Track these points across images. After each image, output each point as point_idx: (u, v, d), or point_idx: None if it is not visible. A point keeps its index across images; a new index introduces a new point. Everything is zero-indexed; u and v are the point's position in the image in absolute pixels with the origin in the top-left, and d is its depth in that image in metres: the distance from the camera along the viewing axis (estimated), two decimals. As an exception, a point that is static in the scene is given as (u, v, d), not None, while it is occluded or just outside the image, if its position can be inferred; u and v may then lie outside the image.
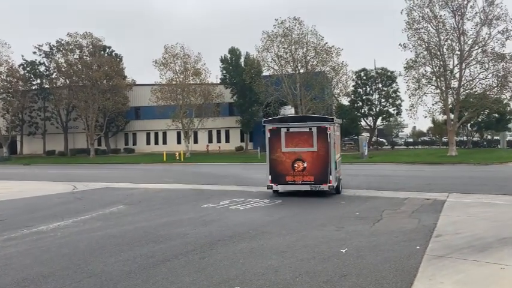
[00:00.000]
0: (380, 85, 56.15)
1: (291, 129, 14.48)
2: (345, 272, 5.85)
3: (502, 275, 5.57)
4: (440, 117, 52.45)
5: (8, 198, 15.68)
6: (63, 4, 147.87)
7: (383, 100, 56.18)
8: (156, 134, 64.90)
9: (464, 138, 61.14)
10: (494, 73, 37.39)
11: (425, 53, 38.54)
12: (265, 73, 48.92)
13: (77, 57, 57.89)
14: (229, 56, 55.38)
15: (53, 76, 61.43)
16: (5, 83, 59.92)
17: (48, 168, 36.04)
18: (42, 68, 63.38)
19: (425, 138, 73.16)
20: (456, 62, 38.47)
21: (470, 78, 38.71)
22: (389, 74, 55.48)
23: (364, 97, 56.62)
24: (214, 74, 78.27)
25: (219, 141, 61.92)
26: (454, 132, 39.55)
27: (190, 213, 11.17)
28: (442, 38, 38.07)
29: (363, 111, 56.75)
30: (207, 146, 59.44)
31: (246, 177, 22.23)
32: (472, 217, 9.57)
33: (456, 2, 37.27)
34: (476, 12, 37.08)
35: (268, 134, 14.62)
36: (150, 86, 54.31)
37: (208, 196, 14.58)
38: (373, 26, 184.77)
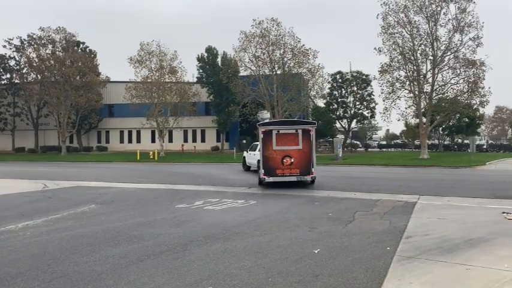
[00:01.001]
0: (355, 88, 57.00)
1: (281, 131, 17.52)
2: (317, 272, 5.95)
3: (468, 276, 5.77)
4: (413, 121, 53.61)
5: (-25, 196, 15.05)
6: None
7: (358, 103, 57.06)
8: (130, 133, 64.18)
9: (436, 141, 62.68)
10: (465, 79, 38.52)
11: (400, 57, 39.36)
12: (243, 73, 49.04)
13: (50, 52, 56.43)
14: (206, 55, 55.26)
15: (24, 71, 59.85)
16: (-28, 77, 58.05)
17: (17, 166, 35.15)
18: (12, 63, 61.60)
19: (398, 141, 74.64)
20: (429, 67, 39.43)
21: (443, 83, 39.75)
22: (364, 77, 56.39)
23: (339, 99, 57.39)
24: (190, 72, 77.65)
25: (194, 140, 61.64)
26: (426, 135, 40.49)
27: (164, 213, 11.11)
28: (416, 43, 38.96)
29: (338, 113, 57.53)
30: (182, 145, 59.07)
31: (221, 177, 22.22)
32: (441, 219, 9.84)
33: (430, 8, 38.21)
34: (449, 19, 38.11)
35: (261, 135, 17.46)
36: (124, 83, 53.71)
37: (182, 196, 14.53)
38: (350, 29, 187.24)
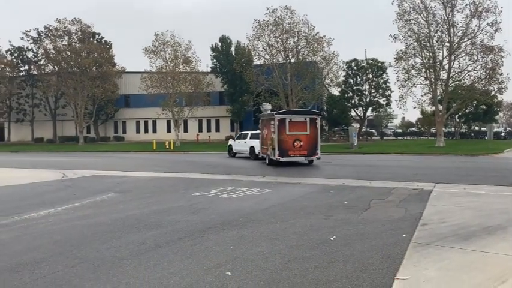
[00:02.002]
0: (370, 76, 56.40)
1: (293, 119, 21.58)
2: (333, 258, 6.02)
3: (485, 262, 5.78)
4: (429, 108, 52.97)
5: (-3, 185, 15.44)
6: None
7: (373, 91, 56.46)
8: (146, 123, 64.72)
9: (452, 129, 61.85)
10: (483, 65, 37.78)
11: (415, 44, 38.77)
12: (256, 62, 48.81)
13: (66, 43, 57.03)
14: (219, 44, 55.16)
15: (41, 62, 60.63)
16: (-8, 69, 59.06)
17: (36, 156, 35.87)
18: (30, 54, 62.70)
19: (414, 129, 73.82)
20: (445, 53, 38.80)
21: (459, 70, 39.08)
22: (379, 64, 55.72)
23: (354, 87, 56.88)
24: (204, 62, 77.81)
25: (209, 130, 61.93)
26: (442, 123, 40.00)
27: (181, 201, 11.26)
28: (432, 29, 38.30)
29: (353, 101, 57.04)
30: (197, 135, 59.38)
31: (235, 166, 22.38)
32: (457, 206, 9.80)
33: (447, -7, 37.38)
34: (466, 4, 37.32)
35: (277, 122, 21.35)
36: (140, 73, 54.04)
37: (198, 185, 14.68)
38: (365, 16, 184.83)
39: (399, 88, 40.22)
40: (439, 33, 38.46)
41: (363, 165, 21.71)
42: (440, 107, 39.49)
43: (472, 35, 37.35)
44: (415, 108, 57.21)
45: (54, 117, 63.46)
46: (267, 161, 23.05)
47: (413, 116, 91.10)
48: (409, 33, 38.69)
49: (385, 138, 62.34)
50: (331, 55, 44.96)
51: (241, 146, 29.69)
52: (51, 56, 56.30)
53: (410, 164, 22.24)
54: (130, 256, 6.33)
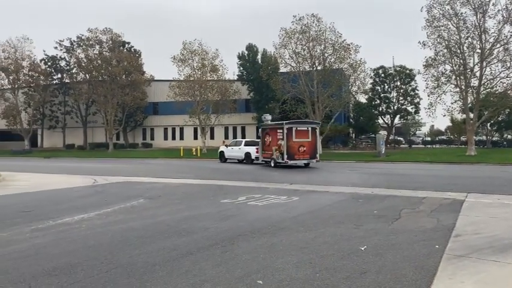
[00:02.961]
0: (398, 83, 55.61)
1: (298, 128, 26.22)
2: (365, 269, 5.96)
3: (523, 276, 5.58)
4: (459, 116, 51.76)
5: (32, 190, 16.07)
6: (82, 1, 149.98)
7: (401, 98, 55.63)
8: (174, 130, 65.76)
9: (484, 137, 60.16)
10: (516, 72, 36.66)
11: (445, 51, 38.04)
12: (282, 70, 48.85)
13: (97, 52, 58.69)
14: (246, 52, 55.58)
15: (73, 71, 62.53)
16: (27, 77, 61.31)
17: (67, 162, 36.82)
18: (62, 63, 64.74)
19: (443, 137, 72.19)
20: (477, 60, 37.90)
21: (491, 77, 38.08)
22: (408, 71, 54.91)
23: (382, 95, 56.19)
24: (231, 70, 78.50)
25: (235, 137, 62.31)
26: (473, 131, 39.00)
27: (210, 207, 11.34)
28: (463, 36, 37.52)
29: (380, 109, 56.34)
30: (224, 141, 59.53)
31: (262, 173, 22.44)
32: (492, 217, 9.53)
33: (478, -1, 36.62)
34: (499, 10, 36.48)
35: (286, 131, 25.81)
36: (168, 81, 55.01)
37: (226, 192, 14.74)
38: (393, 23, 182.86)
39: (428, 95, 39.60)
40: (469, 39, 37.64)
41: (392, 174, 21.38)
42: (472, 115, 38.56)
43: (505, 41, 36.41)
44: (444, 116, 56.07)
45: (85, 124, 65.14)
46: (272, 164, 26.98)
47: (442, 123, 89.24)
48: (438, 39, 38.07)
49: (413, 146, 61.18)
50: (358, 62, 44.67)
51: (235, 152, 33.34)
52: (83, 64, 58.14)
53: (440, 173, 21.76)
54: (163, 262, 6.41)
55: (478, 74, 37.80)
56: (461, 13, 37.22)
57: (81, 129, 65.43)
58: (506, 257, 6.42)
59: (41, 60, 63.88)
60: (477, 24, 36.93)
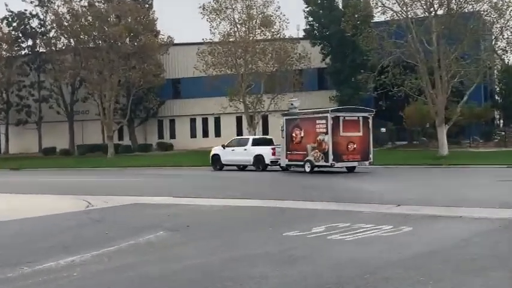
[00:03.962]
0: None
1: (347, 118, 21.03)
2: None
3: None
4: None
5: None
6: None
7: None
8: (205, 121, 54.08)
9: None
10: None
11: None
12: (379, 19, 39.10)
13: (86, 4, 49.51)
14: (319, -7, 51.45)
15: (51, 34, 52.87)
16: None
17: (46, 175, 32.91)
18: (35, 23, 54.36)
19: None
20: None
21: None
22: None
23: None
24: (294, 22, 63.12)
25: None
26: None
27: (268, 244, 9.22)
28: None
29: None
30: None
31: (349, 187, 19.89)
32: None
33: None
34: None
35: (331, 121, 20.75)
36: (195, 45, 45.96)
37: (291, 218, 12.10)
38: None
39: None
40: None
41: None
42: None
43: None
44: None
45: (71, 117, 55.01)
46: (308, 169, 22.82)
47: None
48: None
49: None
50: (507, 1, 34.53)
51: (238, 155, 27.47)
52: (65, 23, 48.44)
53: None
54: None
55: None
56: None
57: (66, 123, 55.09)
58: None
59: (1, 20, 53.89)
60: None
